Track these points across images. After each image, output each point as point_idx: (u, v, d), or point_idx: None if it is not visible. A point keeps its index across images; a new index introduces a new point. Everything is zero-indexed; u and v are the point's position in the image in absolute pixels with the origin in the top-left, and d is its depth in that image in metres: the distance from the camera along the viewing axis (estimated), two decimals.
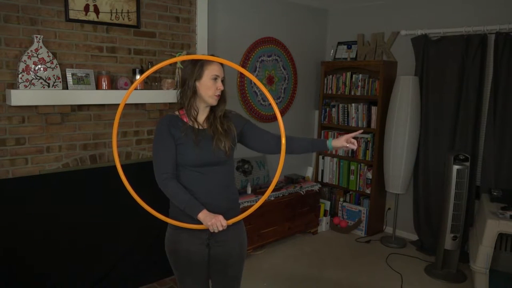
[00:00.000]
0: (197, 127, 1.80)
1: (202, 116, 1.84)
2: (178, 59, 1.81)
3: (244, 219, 1.88)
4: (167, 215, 1.82)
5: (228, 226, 1.75)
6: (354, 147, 1.85)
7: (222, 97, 1.83)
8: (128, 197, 1.72)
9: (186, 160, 1.76)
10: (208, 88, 1.76)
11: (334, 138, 1.90)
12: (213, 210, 1.74)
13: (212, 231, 1.70)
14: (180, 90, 1.83)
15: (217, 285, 1.94)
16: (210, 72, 1.75)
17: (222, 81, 1.80)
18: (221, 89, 1.78)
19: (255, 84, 4.01)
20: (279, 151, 1.76)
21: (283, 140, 1.69)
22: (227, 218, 1.74)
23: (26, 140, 2.52)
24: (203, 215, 1.70)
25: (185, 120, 1.80)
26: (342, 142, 1.84)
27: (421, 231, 3.97)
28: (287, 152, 1.76)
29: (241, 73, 3.85)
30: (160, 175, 1.76)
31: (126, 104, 2.84)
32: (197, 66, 1.76)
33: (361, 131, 2.02)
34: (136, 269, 3.00)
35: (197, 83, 1.77)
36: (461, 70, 3.58)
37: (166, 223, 1.86)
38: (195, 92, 1.78)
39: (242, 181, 3.83)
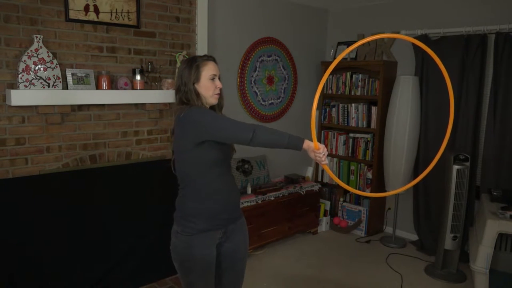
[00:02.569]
0: None
1: None
2: (389, 36, 1.68)
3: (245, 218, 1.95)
4: (180, 216, 1.81)
5: (236, 221, 1.86)
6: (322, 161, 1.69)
7: (220, 94, 1.86)
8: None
9: (212, 156, 1.74)
10: (208, 88, 1.78)
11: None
12: (231, 205, 1.83)
13: (317, 160, 1.63)
14: (179, 92, 1.81)
15: (224, 283, 1.95)
16: (207, 72, 1.78)
17: (219, 78, 1.82)
18: (219, 87, 1.81)
19: (255, 83, 4.01)
20: None
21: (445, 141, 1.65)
22: (234, 213, 1.85)
23: (26, 140, 2.52)
24: (307, 143, 1.63)
25: None
26: (311, 153, 1.66)
27: (421, 231, 3.97)
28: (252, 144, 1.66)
29: (241, 73, 3.85)
30: (247, 127, 1.63)
31: (126, 104, 2.89)
32: (193, 69, 1.77)
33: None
34: (136, 269, 3.00)
35: (196, 86, 1.78)
36: (461, 70, 3.58)
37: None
38: (198, 94, 1.79)
39: (242, 181, 3.83)
